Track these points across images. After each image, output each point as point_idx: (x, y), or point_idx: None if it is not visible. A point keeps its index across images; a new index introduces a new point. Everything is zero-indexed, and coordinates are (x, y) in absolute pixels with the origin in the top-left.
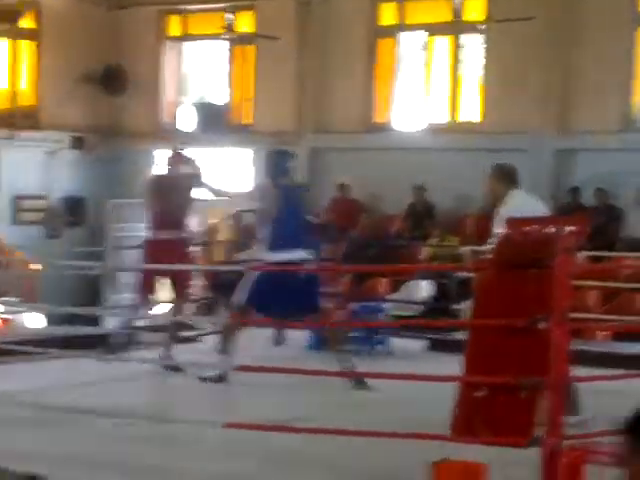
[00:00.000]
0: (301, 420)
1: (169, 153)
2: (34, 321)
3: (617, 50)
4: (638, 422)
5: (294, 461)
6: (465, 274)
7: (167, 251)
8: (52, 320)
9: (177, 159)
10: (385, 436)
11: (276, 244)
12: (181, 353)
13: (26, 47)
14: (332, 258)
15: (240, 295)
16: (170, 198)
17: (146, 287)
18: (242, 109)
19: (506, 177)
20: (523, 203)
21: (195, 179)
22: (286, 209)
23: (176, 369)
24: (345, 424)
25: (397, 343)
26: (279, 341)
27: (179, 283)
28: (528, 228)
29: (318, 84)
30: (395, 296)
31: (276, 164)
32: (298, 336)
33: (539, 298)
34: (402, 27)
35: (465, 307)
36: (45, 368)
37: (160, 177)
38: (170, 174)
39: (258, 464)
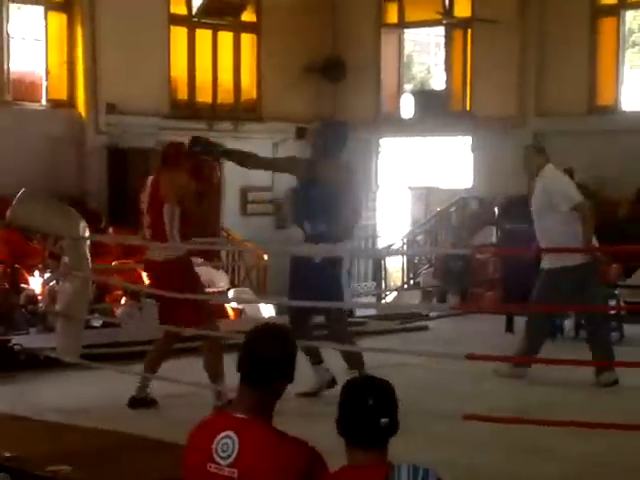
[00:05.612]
0: (541, 410)
1: None
2: (267, 312)
3: None
4: None
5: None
6: None
7: None
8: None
9: None
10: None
11: None
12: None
13: (247, 40)
14: None
15: None
16: None
17: None
18: (461, 95)
19: (542, 152)
20: (561, 176)
21: None
22: None
23: None
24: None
25: (630, 330)
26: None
27: None
28: None
29: (539, 67)
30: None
31: None
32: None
33: None
34: (625, 5)
35: None
36: None
37: None
38: None
39: (506, 456)
